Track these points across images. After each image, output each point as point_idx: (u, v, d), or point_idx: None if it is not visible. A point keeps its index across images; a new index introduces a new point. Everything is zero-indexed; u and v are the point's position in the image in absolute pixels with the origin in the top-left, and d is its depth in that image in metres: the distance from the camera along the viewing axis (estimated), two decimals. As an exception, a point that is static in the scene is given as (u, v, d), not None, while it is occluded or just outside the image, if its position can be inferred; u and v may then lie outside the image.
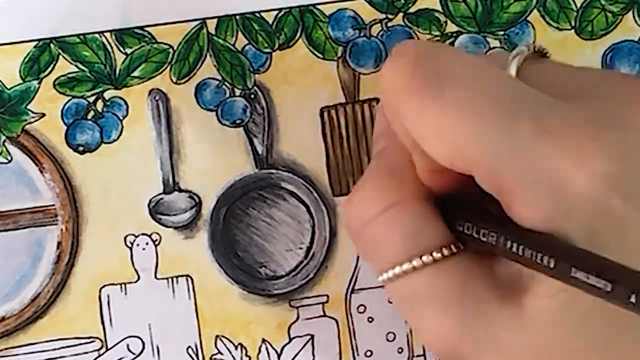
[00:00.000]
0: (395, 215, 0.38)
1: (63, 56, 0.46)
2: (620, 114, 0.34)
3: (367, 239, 0.39)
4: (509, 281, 0.36)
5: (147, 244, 0.47)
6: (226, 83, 0.46)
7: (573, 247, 0.33)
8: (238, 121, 0.47)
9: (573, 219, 0.33)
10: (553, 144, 0.33)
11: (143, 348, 0.47)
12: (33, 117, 0.46)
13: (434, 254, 0.37)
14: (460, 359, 0.36)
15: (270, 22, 0.46)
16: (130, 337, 0.47)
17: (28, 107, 0.46)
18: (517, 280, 0.36)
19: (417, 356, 0.47)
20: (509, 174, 0.34)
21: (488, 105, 0.34)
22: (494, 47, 0.46)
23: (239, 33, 0.46)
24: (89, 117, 0.46)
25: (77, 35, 0.46)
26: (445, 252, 0.37)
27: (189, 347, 0.47)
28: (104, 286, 0.47)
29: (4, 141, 0.46)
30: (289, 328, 0.47)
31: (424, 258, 0.37)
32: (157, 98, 0.46)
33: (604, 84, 0.37)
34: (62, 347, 0.46)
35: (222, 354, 0.47)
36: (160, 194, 0.47)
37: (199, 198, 0.47)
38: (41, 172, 0.46)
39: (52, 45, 0.46)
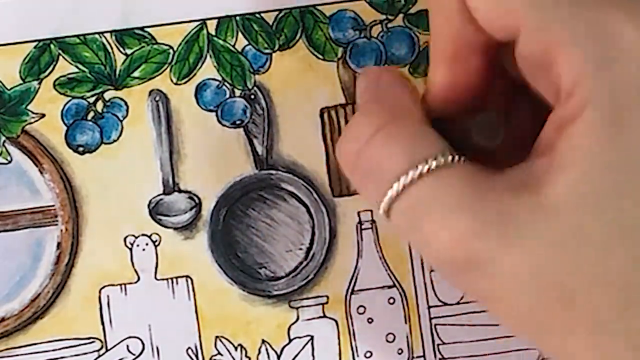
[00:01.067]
0: (391, 130, 0.37)
1: (63, 57, 0.46)
2: None
3: (364, 161, 0.37)
4: (521, 181, 0.35)
5: (147, 244, 0.47)
6: (226, 84, 0.46)
7: None
8: (238, 122, 0.47)
9: (619, 72, 0.33)
10: None
11: (143, 349, 0.47)
12: (33, 118, 0.46)
13: (439, 158, 0.36)
14: (474, 259, 0.35)
15: (271, 22, 0.46)
16: (130, 337, 0.47)
17: (28, 107, 0.46)
18: (531, 179, 0.35)
19: (417, 357, 0.47)
20: (557, 25, 0.33)
21: None
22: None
23: (239, 34, 0.46)
24: (89, 117, 0.46)
25: (78, 36, 0.46)
26: (450, 157, 0.36)
27: (189, 347, 0.47)
28: (103, 287, 0.47)
29: (4, 142, 0.46)
30: (289, 329, 0.47)
31: (430, 162, 0.36)
32: (157, 99, 0.46)
33: None
34: (62, 348, 0.46)
35: (222, 354, 0.47)
36: (160, 194, 0.47)
37: (198, 199, 0.47)
38: (41, 172, 0.46)
39: (52, 45, 0.46)
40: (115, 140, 0.46)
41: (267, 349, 0.47)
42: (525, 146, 0.37)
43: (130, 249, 0.47)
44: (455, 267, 0.35)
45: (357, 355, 0.47)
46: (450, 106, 0.39)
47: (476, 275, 0.35)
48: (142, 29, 0.46)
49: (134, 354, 0.47)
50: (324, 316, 0.47)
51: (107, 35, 0.46)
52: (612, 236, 0.33)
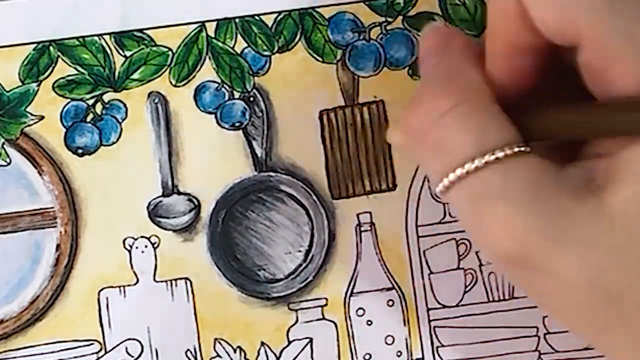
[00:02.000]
0: (465, 111, 0.37)
1: (62, 59, 0.46)
2: None
3: (433, 138, 0.37)
4: (582, 181, 0.36)
5: (146, 246, 0.47)
6: (225, 86, 0.46)
7: None
8: (237, 124, 0.47)
9: None
10: None
11: (142, 351, 0.47)
12: (32, 120, 0.46)
13: (507, 149, 0.36)
14: (531, 258, 0.35)
15: (270, 25, 0.46)
16: (129, 339, 0.47)
17: (27, 109, 0.46)
18: (591, 181, 0.35)
19: (416, 359, 0.47)
20: (620, 40, 0.34)
21: None
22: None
23: (238, 36, 0.46)
24: (88, 119, 0.46)
25: (77, 38, 0.46)
26: (517, 149, 0.36)
27: (188, 350, 0.47)
28: (103, 289, 0.47)
29: (3, 144, 0.46)
30: (288, 331, 0.47)
31: (497, 153, 0.36)
32: (156, 101, 0.46)
33: None
34: (61, 350, 0.46)
35: (220, 357, 0.47)
36: (159, 196, 0.47)
37: (198, 201, 0.47)
38: (40, 174, 0.46)
39: (51, 47, 0.46)
40: (114, 143, 0.46)
41: (266, 351, 0.47)
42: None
43: (130, 251, 0.47)
44: (510, 262, 0.36)
45: (356, 358, 0.47)
46: (506, 96, 0.39)
47: (530, 272, 0.36)
48: (141, 30, 0.46)
49: (132, 356, 0.47)
50: (323, 318, 0.47)
51: (107, 37, 0.46)
52: None
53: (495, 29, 0.38)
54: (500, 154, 0.36)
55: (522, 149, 0.36)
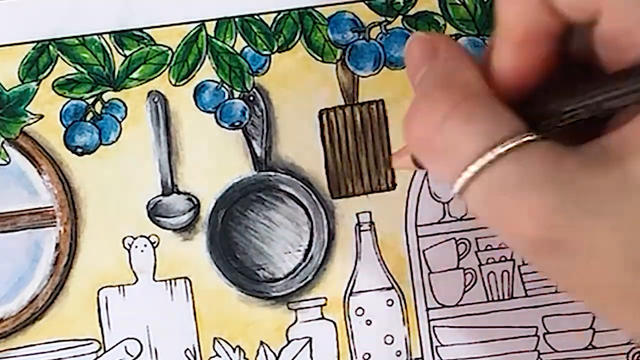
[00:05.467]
0: (466, 110, 0.37)
1: (62, 58, 0.46)
2: None
3: (439, 142, 0.37)
4: (600, 156, 0.35)
5: (145, 245, 0.47)
6: (225, 85, 0.46)
7: None
8: (237, 123, 0.47)
9: None
10: None
11: (141, 350, 0.47)
12: (32, 119, 0.46)
13: (517, 139, 0.36)
14: (560, 240, 0.35)
15: (270, 24, 0.46)
16: (128, 339, 0.47)
17: (27, 108, 0.46)
18: (608, 154, 0.35)
19: (415, 359, 0.47)
20: (636, 2, 0.34)
21: None
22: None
23: (238, 35, 0.46)
24: (88, 118, 0.46)
25: (76, 37, 0.46)
26: (527, 137, 0.36)
27: (187, 349, 0.47)
28: (102, 288, 0.47)
29: (3, 143, 0.46)
30: (287, 330, 0.47)
31: (508, 144, 0.36)
32: (155, 100, 0.46)
33: None
34: (60, 349, 0.46)
35: (220, 356, 0.47)
36: (158, 195, 0.47)
37: (197, 200, 0.47)
38: (40, 173, 0.46)
39: (51, 46, 0.46)
40: (114, 142, 0.46)
41: (265, 351, 0.47)
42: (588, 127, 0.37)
43: (129, 250, 0.47)
44: (541, 248, 0.35)
45: (356, 357, 0.47)
46: (513, 91, 0.38)
47: (562, 255, 0.35)
48: (141, 30, 0.46)
49: (132, 355, 0.47)
50: (323, 318, 0.47)
51: (106, 36, 0.46)
52: None
53: (509, 18, 0.38)
54: (510, 145, 0.36)
55: (533, 136, 0.36)
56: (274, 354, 0.47)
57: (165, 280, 0.47)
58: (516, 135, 0.36)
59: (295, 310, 0.47)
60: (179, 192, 0.47)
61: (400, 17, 0.46)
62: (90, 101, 0.46)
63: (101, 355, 0.47)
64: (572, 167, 0.35)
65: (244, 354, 0.47)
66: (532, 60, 0.38)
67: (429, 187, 0.47)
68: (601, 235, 0.34)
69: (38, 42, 0.46)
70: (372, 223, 0.47)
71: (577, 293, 0.37)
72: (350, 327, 0.47)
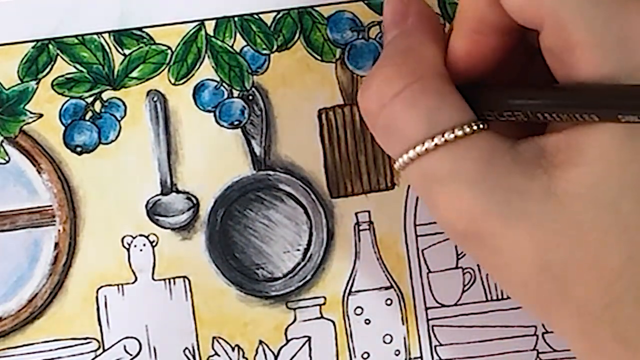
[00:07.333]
0: (415, 92, 0.38)
1: (61, 57, 0.46)
2: None
3: (386, 120, 0.38)
4: (534, 158, 0.36)
5: (144, 245, 0.47)
6: (224, 84, 0.46)
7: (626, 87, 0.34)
8: (236, 122, 0.47)
9: (638, 77, 0.33)
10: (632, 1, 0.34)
11: (140, 349, 0.47)
12: (31, 118, 0.46)
13: (456, 130, 0.37)
14: (484, 235, 0.36)
15: (269, 23, 0.46)
16: (127, 338, 0.47)
17: (26, 107, 0.46)
18: (542, 157, 0.36)
19: (414, 358, 0.47)
20: (580, 25, 0.34)
21: None
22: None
23: (238, 34, 0.46)
24: (87, 117, 0.46)
25: (76, 36, 0.46)
26: (467, 129, 0.37)
27: (186, 348, 0.47)
28: (101, 287, 0.47)
29: (2, 141, 0.46)
30: (286, 330, 0.47)
31: (447, 135, 0.37)
32: (155, 99, 0.46)
33: None
34: (59, 348, 0.46)
35: (219, 355, 0.47)
36: (157, 195, 0.47)
37: (196, 199, 0.47)
38: (39, 172, 0.46)
39: (50, 45, 0.46)
40: (113, 141, 0.46)
41: (264, 350, 0.47)
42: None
43: (128, 250, 0.47)
44: (463, 238, 0.37)
45: (354, 357, 0.47)
46: (466, 74, 0.39)
47: (482, 248, 0.37)
48: (140, 29, 0.46)
49: (131, 355, 0.47)
50: (322, 317, 0.47)
51: (106, 35, 0.46)
52: (611, 234, 0.34)
53: (465, 5, 0.38)
54: (450, 136, 0.37)
55: (474, 128, 0.37)
56: (273, 353, 0.47)
57: (164, 280, 0.47)
58: (456, 127, 0.37)
59: (294, 309, 0.47)
60: (178, 191, 0.47)
61: (399, 16, 0.46)
62: (89, 100, 0.46)
63: (100, 354, 0.47)
64: (504, 166, 0.36)
65: (243, 353, 0.47)
66: (484, 49, 0.38)
67: (428, 187, 0.47)
68: (522, 235, 0.35)
69: (37, 41, 0.46)
70: (371, 222, 0.47)
71: (496, 281, 0.38)
72: (349, 326, 0.47)
